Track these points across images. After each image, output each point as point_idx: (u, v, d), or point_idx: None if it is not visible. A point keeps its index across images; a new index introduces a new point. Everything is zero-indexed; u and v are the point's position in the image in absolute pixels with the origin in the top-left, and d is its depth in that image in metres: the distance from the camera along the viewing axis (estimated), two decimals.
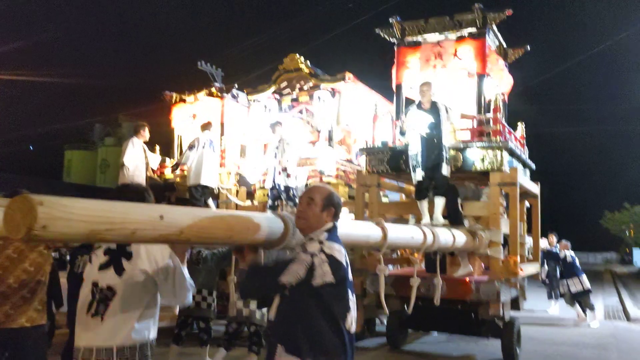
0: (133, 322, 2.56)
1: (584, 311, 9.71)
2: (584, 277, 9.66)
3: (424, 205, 6.34)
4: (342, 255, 2.28)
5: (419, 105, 6.27)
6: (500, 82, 7.43)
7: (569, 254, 9.83)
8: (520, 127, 7.83)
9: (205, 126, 8.05)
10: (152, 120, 8.85)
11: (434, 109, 6.21)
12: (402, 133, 6.32)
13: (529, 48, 7.88)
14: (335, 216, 2.42)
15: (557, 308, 10.94)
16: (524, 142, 7.75)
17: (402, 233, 4.19)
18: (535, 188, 7.80)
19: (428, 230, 4.67)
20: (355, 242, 3.66)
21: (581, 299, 9.69)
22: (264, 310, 4.94)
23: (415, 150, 6.24)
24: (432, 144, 6.14)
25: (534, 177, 7.93)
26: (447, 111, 6.23)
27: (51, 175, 31.16)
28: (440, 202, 6.09)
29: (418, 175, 6.21)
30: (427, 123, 6.16)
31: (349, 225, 3.51)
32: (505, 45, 7.71)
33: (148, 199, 2.71)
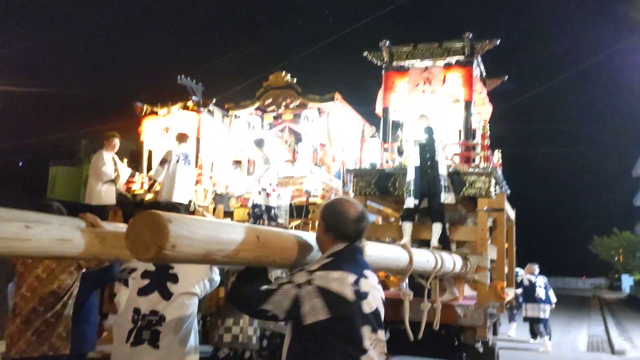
0: (186, 346, 2.42)
1: (533, 336, 10.06)
2: (544, 306, 9.92)
3: (407, 226, 6.35)
4: (345, 285, 1.87)
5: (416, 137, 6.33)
6: (482, 110, 7.66)
7: (528, 278, 10.16)
8: (497, 154, 8.06)
9: (181, 138, 7.78)
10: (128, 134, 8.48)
11: (430, 140, 6.28)
12: (400, 153, 6.34)
13: (507, 78, 8.20)
14: (339, 236, 2.02)
15: (514, 330, 11.29)
16: (501, 169, 7.98)
17: (422, 257, 4.16)
18: (512, 213, 8.03)
19: (438, 255, 4.67)
20: (387, 266, 3.58)
21: (534, 324, 10.05)
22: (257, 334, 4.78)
23: (409, 178, 6.29)
24: (426, 174, 6.19)
25: (513, 202, 8.17)
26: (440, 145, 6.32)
27: (36, 191, 29.74)
28: (437, 228, 6.12)
29: (409, 202, 6.23)
30: (422, 154, 6.22)
31: (382, 248, 3.44)
32: (485, 74, 7.97)
33: None
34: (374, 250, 2.94)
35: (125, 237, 1.46)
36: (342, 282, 1.87)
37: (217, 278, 2.61)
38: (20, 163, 33.87)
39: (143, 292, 2.42)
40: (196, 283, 2.48)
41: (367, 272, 1.99)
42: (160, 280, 2.41)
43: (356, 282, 1.91)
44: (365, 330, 1.88)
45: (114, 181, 7.78)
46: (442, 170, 6.22)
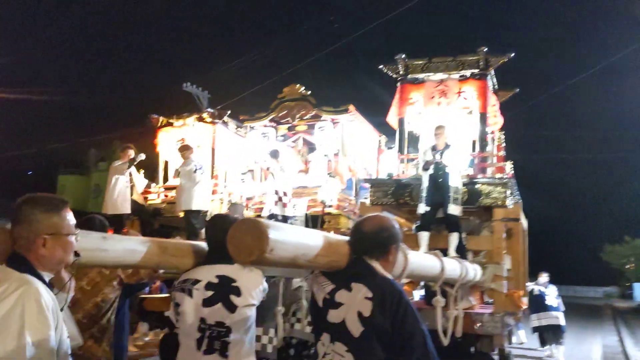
0: (249, 355, 2.51)
1: (542, 343, 10.11)
2: (557, 313, 9.98)
3: (423, 236, 6.45)
4: (321, 291, 2.04)
5: (434, 147, 6.44)
6: (494, 121, 7.80)
7: (538, 288, 10.24)
8: (509, 165, 8.20)
9: (187, 149, 7.82)
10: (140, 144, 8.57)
11: (445, 150, 6.41)
12: (426, 168, 6.39)
13: (518, 90, 8.35)
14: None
15: (523, 335, 11.34)
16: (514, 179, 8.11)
17: (451, 266, 4.26)
18: (525, 223, 8.14)
19: (463, 264, 4.77)
20: (424, 274, 3.68)
21: (544, 333, 10.10)
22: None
23: (423, 186, 6.40)
24: (437, 183, 6.30)
25: (526, 211, 8.28)
26: (454, 154, 6.43)
27: None
28: (454, 238, 6.22)
29: (421, 209, 6.35)
30: (436, 164, 6.34)
31: (421, 257, 3.55)
32: (497, 86, 8.13)
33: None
34: (415, 258, 3.04)
35: (228, 241, 1.56)
36: (321, 287, 2.01)
37: (266, 285, 2.70)
38: (30, 172, 33.68)
39: (208, 303, 2.47)
40: (254, 294, 2.54)
41: (354, 285, 1.95)
42: (224, 292, 2.48)
43: (332, 292, 1.97)
44: (324, 337, 1.96)
45: (131, 190, 7.86)
46: (453, 182, 6.31)
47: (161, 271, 4.81)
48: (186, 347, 2.51)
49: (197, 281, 2.54)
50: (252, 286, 2.52)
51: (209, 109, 8.70)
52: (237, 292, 2.46)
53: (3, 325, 1.56)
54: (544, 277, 10.33)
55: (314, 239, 1.79)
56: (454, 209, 6.24)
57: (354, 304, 1.92)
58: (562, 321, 9.89)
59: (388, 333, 1.88)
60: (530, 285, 10.32)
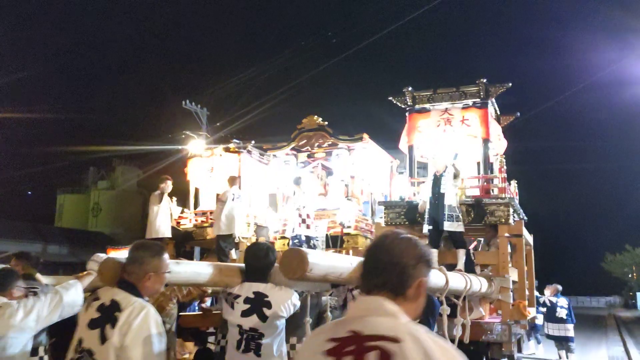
0: (279, 356, 3.16)
1: (559, 354, 10.56)
2: (567, 325, 10.42)
3: (432, 253, 7.09)
4: None
5: (435, 174, 7.11)
6: (497, 145, 8.44)
7: (549, 299, 10.74)
8: (513, 184, 8.82)
9: (233, 180, 8.65)
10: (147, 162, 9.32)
11: (443, 173, 7.06)
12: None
13: (518, 115, 9.01)
14: None
15: (533, 346, 11.78)
16: (517, 197, 8.72)
17: (455, 279, 4.91)
18: (530, 238, 8.72)
19: (467, 277, 5.41)
20: (430, 286, 4.33)
21: (557, 343, 10.57)
22: None
23: (426, 208, 7.08)
24: (435, 204, 6.96)
25: (529, 227, 8.87)
26: (455, 174, 7.06)
27: (44, 219, 30.28)
28: (461, 254, 6.83)
29: (425, 229, 7.02)
30: (432, 187, 7.02)
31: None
32: (499, 112, 8.79)
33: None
34: None
35: (280, 263, 2.28)
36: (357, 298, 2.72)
37: (299, 302, 3.35)
38: (29, 193, 34.30)
39: (245, 314, 3.15)
40: (283, 307, 3.17)
41: None
42: (258, 306, 3.13)
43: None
44: None
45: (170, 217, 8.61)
46: (449, 201, 6.89)
47: (209, 290, 5.56)
48: (230, 347, 3.20)
49: (238, 296, 3.19)
50: (282, 301, 3.14)
51: (235, 140, 9.50)
52: (269, 305, 3.10)
53: (138, 336, 2.26)
54: (554, 289, 10.84)
55: (340, 262, 2.50)
56: (450, 226, 6.85)
57: None
58: (571, 333, 10.35)
59: None
60: (542, 297, 10.84)
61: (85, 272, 3.62)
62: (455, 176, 7.01)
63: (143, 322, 2.29)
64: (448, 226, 6.85)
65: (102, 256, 3.31)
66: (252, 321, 3.08)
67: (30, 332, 3.18)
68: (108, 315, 2.31)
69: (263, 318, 3.07)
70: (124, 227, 30.43)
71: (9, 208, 28.67)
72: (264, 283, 3.17)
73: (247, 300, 3.13)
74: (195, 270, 3.06)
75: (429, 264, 1.54)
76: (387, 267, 1.45)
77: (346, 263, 2.54)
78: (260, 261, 3.26)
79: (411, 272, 1.45)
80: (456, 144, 8.06)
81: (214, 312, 6.29)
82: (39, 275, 5.06)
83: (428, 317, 2.72)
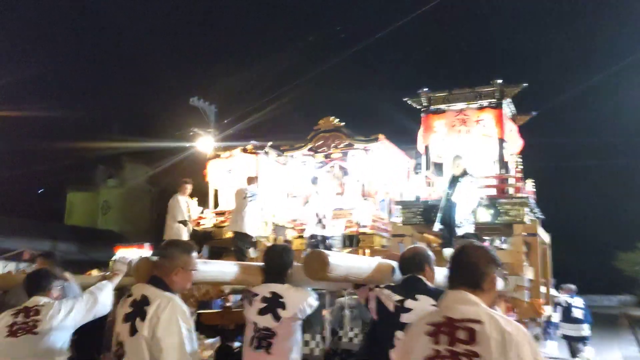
0: (290, 355, 3.27)
1: (572, 354, 10.54)
2: (582, 325, 10.40)
3: (448, 252, 7.17)
4: (389, 300, 2.91)
5: (453, 176, 7.20)
6: (513, 144, 8.50)
7: (565, 299, 10.75)
8: (530, 183, 8.86)
9: (252, 180, 8.84)
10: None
11: (461, 177, 7.14)
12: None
13: (535, 113, 9.04)
14: (401, 271, 3.11)
15: (551, 346, 11.77)
16: (534, 196, 8.76)
17: None
18: (546, 237, 8.77)
19: None
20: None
21: (572, 343, 10.57)
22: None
23: (440, 205, 7.18)
24: (447, 206, 7.06)
25: (546, 226, 8.90)
26: (475, 182, 7.13)
27: (55, 217, 30.65)
28: None
29: (435, 227, 7.12)
30: (448, 188, 7.11)
31: (442, 271, 4.33)
32: (515, 111, 8.84)
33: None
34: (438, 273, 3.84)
35: (303, 265, 2.44)
36: (388, 297, 2.89)
37: (316, 303, 3.48)
38: (41, 190, 34.57)
39: (261, 312, 3.27)
40: (298, 309, 3.27)
41: (418, 296, 2.90)
42: (273, 305, 3.25)
43: (401, 301, 2.87)
44: (398, 333, 2.73)
45: (185, 221, 8.79)
46: (461, 211, 6.94)
47: (226, 290, 5.73)
48: (245, 343, 3.37)
49: (256, 294, 3.33)
50: (297, 302, 3.24)
51: (252, 141, 9.67)
52: (283, 306, 3.21)
53: (169, 327, 2.45)
54: (568, 289, 10.85)
55: (359, 263, 2.65)
56: (461, 230, 6.92)
57: (425, 309, 2.77)
58: (585, 332, 10.34)
59: None
60: (557, 297, 10.85)
61: (112, 273, 3.83)
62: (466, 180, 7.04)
63: (171, 313, 2.47)
64: (460, 231, 6.93)
65: (127, 257, 3.50)
66: (266, 320, 3.22)
67: (69, 330, 3.37)
68: (138, 309, 2.51)
69: (277, 318, 3.20)
70: (132, 224, 30.59)
71: (19, 206, 28.93)
72: (281, 284, 3.29)
73: (264, 300, 3.27)
74: (221, 269, 3.23)
75: (497, 263, 2.04)
76: (467, 268, 1.96)
77: (365, 264, 2.69)
78: (276, 262, 3.38)
79: (484, 270, 1.95)
80: (471, 145, 8.15)
81: (234, 309, 6.48)
82: (66, 274, 5.31)
83: None
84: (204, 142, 18.29)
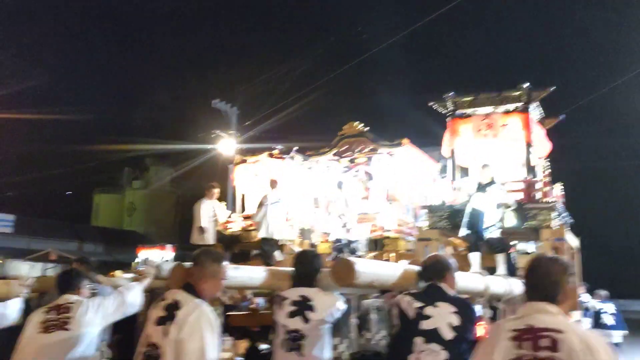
0: (320, 356, 3.35)
1: None
2: (612, 332, 10.17)
3: (474, 256, 7.13)
4: (410, 307, 2.97)
5: (479, 183, 7.16)
6: (541, 148, 8.43)
7: (595, 305, 10.56)
8: (558, 187, 8.76)
9: (273, 184, 8.96)
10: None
11: (488, 186, 7.09)
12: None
13: (562, 117, 8.95)
14: (422, 279, 3.16)
15: None
16: (563, 200, 8.66)
17: (496, 283, 5.03)
18: (575, 241, 8.66)
19: (507, 281, 5.51)
20: (471, 290, 4.48)
21: None
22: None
23: (466, 211, 7.12)
24: (473, 213, 7.00)
25: (575, 229, 8.78)
26: (503, 191, 7.07)
27: (82, 219, 31.33)
28: (500, 258, 6.84)
29: (461, 232, 7.08)
30: (476, 195, 7.07)
31: (465, 277, 4.36)
32: (543, 115, 8.75)
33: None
34: (460, 278, 3.87)
35: (331, 272, 2.52)
36: (409, 304, 2.95)
37: (344, 306, 3.55)
38: (69, 193, 35.14)
39: (291, 315, 3.38)
40: (327, 313, 3.35)
41: (439, 303, 2.97)
42: (303, 309, 3.34)
43: (421, 307, 2.93)
44: (418, 339, 2.85)
45: (202, 228, 8.84)
46: (487, 219, 6.84)
47: (248, 295, 5.86)
48: (276, 345, 3.45)
49: (285, 298, 3.43)
50: (326, 306, 3.32)
51: (278, 146, 9.79)
52: (313, 309, 3.29)
53: (193, 331, 2.55)
54: (600, 294, 10.65)
55: (385, 271, 2.72)
56: (491, 234, 6.86)
57: (444, 316, 2.90)
58: (616, 339, 10.09)
59: (468, 337, 2.90)
60: (586, 302, 10.66)
61: (142, 275, 3.97)
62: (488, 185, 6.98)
63: (198, 318, 2.57)
64: (487, 230, 6.90)
65: (155, 261, 3.64)
66: (296, 323, 3.31)
67: (98, 327, 3.52)
68: (170, 313, 2.63)
69: (306, 321, 3.28)
70: (157, 225, 31.08)
71: (48, 207, 29.60)
72: (310, 287, 3.38)
73: (293, 303, 3.36)
74: (250, 275, 3.33)
75: (571, 273, 2.14)
76: (544, 282, 2.06)
77: (391, 271, 2.75)
78: (306, 267, 3.47)
79: (561, 283, 2.06)
80: (498, 149, 8.11)
81: (260, 312, 6.60)
82: (99, 277, 5.50)
83: (467, 323, 2.91)
84: (226, 144, 18.43)
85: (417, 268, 3.25)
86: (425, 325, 2.86)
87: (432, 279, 3.04)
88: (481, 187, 6.98)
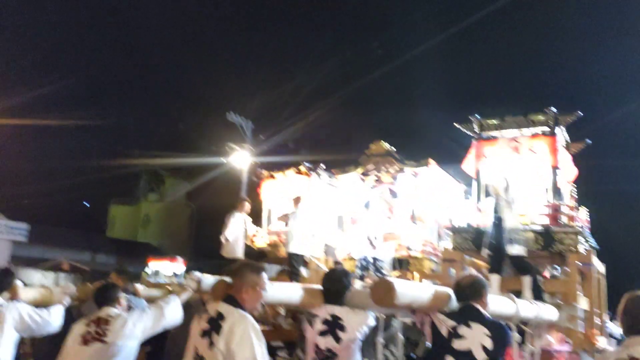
0: None
1: None
2: None
3: (494, 278, 7.10)
4: (443, 325, 3.04)
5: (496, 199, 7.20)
6: (567, 173, 8.44)
7: (618, 332, 10.43)
8: (584, 211, 8.74)
9: (297, 200, 9.11)
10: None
11: (508, 202, 7.10)
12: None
13: (588, 141, 8.95)
14: (457, 299, 3.22)
15: None
16: (589, 225, 8.63)
17: (525, 306, 5.07)
18: (601, 267, 8.61)
19: (535, 305, 5.54)
20: (500, 314, 4.53)
21: None
22: None
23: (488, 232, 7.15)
24: (493, 231, 7.02)
25: (600, 255, 8.73)
26: (510, 200, 7.08)
27: (98, 230, 31.67)
28: (526, 281, 6.85)
29: (483, 252, 7.10)
30: (493, 210, 7.10)
31: (496, 300, 4.42)
32: (569, 140, 8.78)
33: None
34: (491, 301, 3.94)
35: (371, 292, 2.64)
36: (442, 323, 3.00)
37: (374, 323, 3.62)
38: (86, 203, 35.42)
39: (322, 334, 3.41)
40: (358, 330, 3.39)
41: (472, 324, 3.02)
42: (333, 328, 3.39)
43: (454, 327, 2.98)
44: (449, 358, 2.91)
45: (227, 239, 8.98)
46: (510, 224, 6.87)
47: (282, 312, 5.93)
48: None
49: (316, 316, 3.47)
50: (356, 324, 3.36)
51: (305, 163, 9.96)
52: (343, 328, 3.34)
53: (242, 341, 2.67)
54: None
55: (422, 292, 2.83)
56: (512, 249, 6.80)
57: (477, 338, 2.95)
58: None
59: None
60: (610, 329, 10.54)
61: (182, 289, 4.08)
62: (508, 204, 7.03)
63: (244, 328, 2.67)
64: (510, 249, 6.84)
65: (197, 274, 3.76)
66: (328, 342, 3.36)
67: (136, 340, 3.64)
68: (215, 325, 2.72)
69: (337, 340, 3.33)
70: (171, 238, 31.10)
71: (65, 217, 29.81)
72: (340, 306, 3.44)
73: (324, 322, 3.41)
74: (286, 292, 3.44)
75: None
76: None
77: (428, 293, 2.86)
78: (336, 285, 3.53)
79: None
80: (524, 172, 8.15)
81: (283, 328, 6.69)
82: (137, 287, 5.67)
83: (500, 347, 2.97)
84: (241, 157, 18.66)
85: (445, 289, 3.32)
86: (457, 345, 2.92)
87: (468, 298, 3.10)
88: (497, 202, 7.01)
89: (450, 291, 3.27)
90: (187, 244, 31.53)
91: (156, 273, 19.49)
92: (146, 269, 18.95)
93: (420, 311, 3.23)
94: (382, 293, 2.59)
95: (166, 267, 20.55)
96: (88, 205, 35.38)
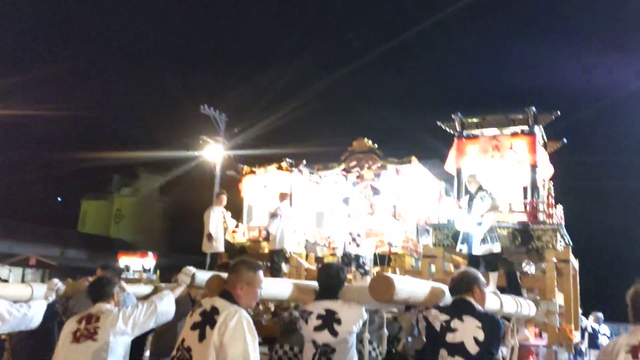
0: None
1: None
2: None
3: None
4: (437, 320, 3.07)
5: (469, 195, 7.28)
6: (544, 171, 8.63)
7: (592, 326, 10.76)
8: (560, 209, 8.96)
9: (283, 196, 9.09)
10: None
11: (477, 194, 7.18)
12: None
13: (565, 141, 9.16)
14: (451, 293, 3.28)
15: None
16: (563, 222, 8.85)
17: (508, 302, 5.18)
18: (575, 263, 8.85)
19: (517, 301, 5.66)
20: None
21: None
22: None
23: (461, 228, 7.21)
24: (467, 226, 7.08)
25: (573, 250, 8.94)
26: (488, 196, 7.14)
27: (70, 225, 31.05)
28: (492, 276, 6.85)
29: (457, 247, 7.17)
30: (467, 206, 7.17)
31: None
32: (546, 139, 8.98)
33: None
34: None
35: (369, 287, 2.66)
36: (436, 317, 3.02)
37: (366, 316, 3.67)
38: (59, 199, 34.76)
39: (317, 329, 3.46)
40: (354, 324, 3.46)
41: (465, 317, 3.05)
42: (329, 322, 3.43)
43: (447, 321, 3.01)
44: (442, 351, 2.94)
45: (210, 235, 8.90)
46: (478, 223, 6.87)
47: (272, 307, 5.94)
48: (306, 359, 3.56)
49: (311, 312, 3.51)
50: (351, 318, 3.44)
51: (287, 159, 9.94)
52: (339, 322, 3.40)
53: (235, 335, 2.66)
54: (596, 316, 10.84)
55: (420, 288, 2.87)
56: (480, 249, 6.78)
57: (469, 331, 2.99)
58: None
59: (493, 352, 3.00)
60: (583, 323, 10.85)
61: (176, 284, 4.05)
62: (494, 208, 7.07)
63: (238, 323, 2.67)
64: (477, 250, 6.84)
65: (191, 269, 3.73)
66: (324, 336, 3.40)
67: (128, 336, 3.59)
68: (208, 318, 2.72)
69: (334, 333, 3.38)
70: (144, 234, 30.66)
71: (35, 212, 29.34)
72: (334, 301, 3.48)
73: (319, 317, 3.45)
74: (279, 288, 3.45)
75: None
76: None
77: (425, 288, 2.90)
78: (332, 280, 3.57)
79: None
80: (503, 170, 8.30)
81: (264, 323, 6.68)
82: (123, 284, 5.58)
83: (492, 338, 3.03)
84: (214, 150, 18.56)
85: (440, 285, 3.37)
86: (450, 338, 2.97)
87: (460, 293, 3.15)
88: (471, 198, 7.09)
89: (445, 287, 3.32)
90: (161, 239, 31.14)
91: (126, 268, 19.29)
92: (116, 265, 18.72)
93: (412, 307, 3.28)
94: (382, 288, 2.62)
95: (136, 263, 20.35)
96: (59, 200, 34.58)
